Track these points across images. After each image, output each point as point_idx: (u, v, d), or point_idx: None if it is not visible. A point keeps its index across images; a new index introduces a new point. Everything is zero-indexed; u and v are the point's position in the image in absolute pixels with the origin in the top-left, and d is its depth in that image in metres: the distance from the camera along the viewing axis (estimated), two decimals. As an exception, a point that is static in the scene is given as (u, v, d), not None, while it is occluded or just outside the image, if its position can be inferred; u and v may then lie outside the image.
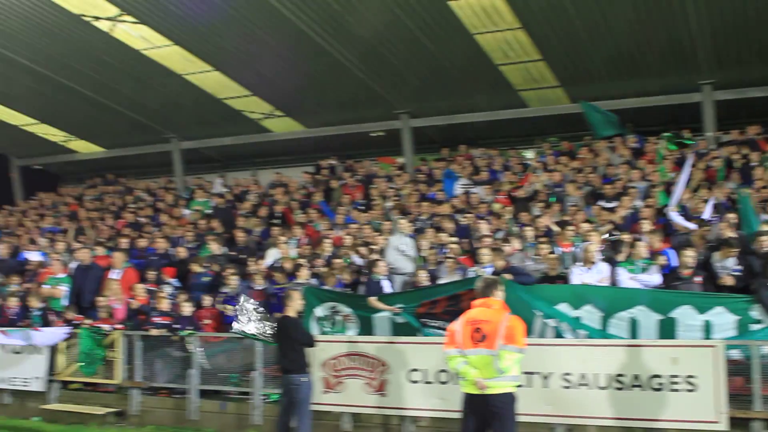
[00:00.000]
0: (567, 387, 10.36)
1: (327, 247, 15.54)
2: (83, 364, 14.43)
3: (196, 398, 13.21)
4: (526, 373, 9.63)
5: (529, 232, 14.20)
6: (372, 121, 22.87)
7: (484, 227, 14.94)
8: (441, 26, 17.60)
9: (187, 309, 13.91)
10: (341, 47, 18.75)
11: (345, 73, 19.90)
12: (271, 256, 15.89)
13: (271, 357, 12.29)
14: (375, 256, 14.42)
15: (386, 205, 18.06)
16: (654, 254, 12.29)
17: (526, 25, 17.33)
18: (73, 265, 16.86)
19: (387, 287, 13.27)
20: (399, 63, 19.60)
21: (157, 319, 14.02)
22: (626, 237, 12.97)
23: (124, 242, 17.99)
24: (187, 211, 21.38)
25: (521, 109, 21.49)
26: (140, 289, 15.04)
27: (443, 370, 10.99)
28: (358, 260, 14.91)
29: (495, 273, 11.63)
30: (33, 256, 18.67)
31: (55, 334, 14.76)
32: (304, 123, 23.97)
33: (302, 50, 18.99)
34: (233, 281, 14.34)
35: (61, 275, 16.40)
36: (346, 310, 12.53)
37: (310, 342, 10.67)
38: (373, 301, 12.28)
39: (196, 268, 15.55)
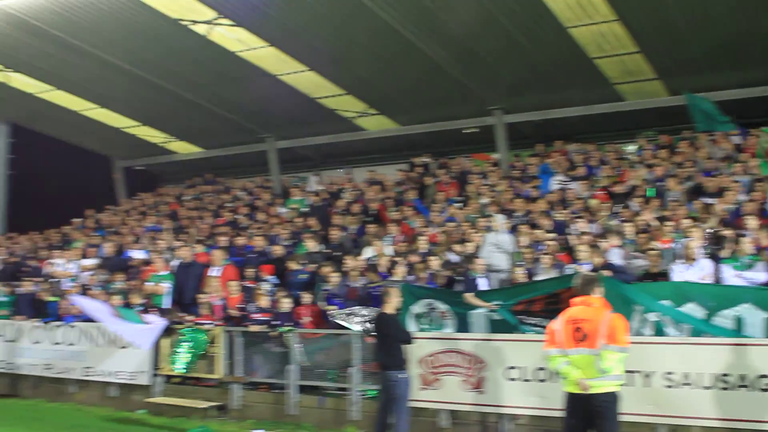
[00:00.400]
0: (669, 386, 10.15)
1: (422, 245, 15.56)
2: (181, 364, 14.85)
3: (295, 393, 13.43)
4: (627, 371, 9.43)
5: (629, 228, 13.94)
6: (465, 117, 22.73)
7: (581, 224, 14.75)
8: (534, 21, 17.39)
9: (285, 306, 14.14)
10: (434, 45, 18.71)
11: (438, 71, 19.85)
12: (368, 253, 16.01)
13: (369, 353, 12.43)
14: (471, 253, 14.40)
15: (481, 201, 17.96)
16: (761, 250, 11.91)
17: (622, 17, 16.96)
18: (174, 262, 17.28)
19: (483, 285, 13.20)
20: (492, 59, 19.45)
21: (257, 316, 14.31)
22: (729, 233, 12.61)
23: (222, 240, 18.37)
24: (283, 210, 21.71)
25: (617, 103, 21.04)
26: (234, 286, 15.36)
27: (542, 368, 10.91)
28: (453, 257, 14.88)
29: (593, 270, 11.48)
30: (136, 254, 19.20)
31: (152, 331, 15.16)
32: (397, 121, 24.01)
33: (395, 48, 19.01)
34: (334, 278, 14.49)
35: (164, 272, 16.82)
36: (442, 306, 12.54)
37: (408, 339, 10.73)
38: (470, 297, 12.25)
39: (292, 265, 15.78)
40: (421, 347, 11.80)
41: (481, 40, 18.52)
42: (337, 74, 21.02)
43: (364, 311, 12.94)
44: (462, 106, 22.09)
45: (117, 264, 18.70)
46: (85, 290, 17.54)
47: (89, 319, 16.34)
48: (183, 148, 28.71)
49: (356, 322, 12.97)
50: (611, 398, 7.70)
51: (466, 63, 19.67)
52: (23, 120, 27.25)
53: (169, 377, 15.27)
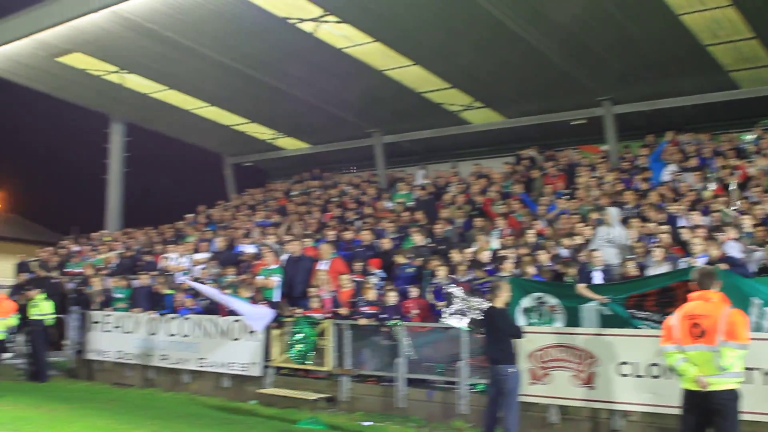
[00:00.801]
0: (792, 384, 9.78)
1: (530, 238, 15.41)
2: (296, 353, 15.08)
3: (403, 386, 13.48)
4: (746, 368, 9.09)
5: (746, 220, 13.47)
6: (573, 108, 22.39)
7: (695, 216, 14.33)
8: (644, 7, 16.92)
9: (392, 299, 14.22)
10: (540, 35, 18.44)
11: (544, 62, 19.58)
12: (475, 247, 15.92)
13: (477, 347, 12.38)
14: (581, 246, 14.18)
15: (590, 194, 17.64)
16: None
17: (736, 1, 16.38)
18: (284, 256, 17.57)
19: (598, 278, 12.98)
20: (600, 48, 19.04)
21: (365, 309, 14.44)
22: None
23: (330, 234, 18.57)
24: (389, 204, 21.81)
25: (732, 91, 20.31)
26: (346, 279, 15.53)
27: (655, 364, 10.68)
28: (562, 251, 14.68)
29: (709, 263, 11.15)
30: (247, 248, 19.62)
31: (265, 313, 15.51)
32: (503, 113, 23.82)
33: (500, 40, 18.83)
34: (441, 272, 14.48)
35: (274, 266, 17.13)
36: (552, 301, 12.38)
37: (518, 333, 10.67)
38: (582, 288, 12.06)
39: (400, 259, 15.85)
40: (530, 341, 11.70)
41: (589, 30, 18.16)
42: (442, 68, 20.98)
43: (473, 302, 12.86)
44: (569, 98, 21.76)
45: (228, 258, 19.13)
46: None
47: (203, 312, 16.84)
48: (290, 144, 29.22)
49: (460, 315, 12.92)
50: (731, 396, 7.47)
51: (573, 53, 19.34)
52: (138, 119, 28.24)
53: (279, 369, 15.55)
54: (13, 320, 16.72)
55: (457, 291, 12.91)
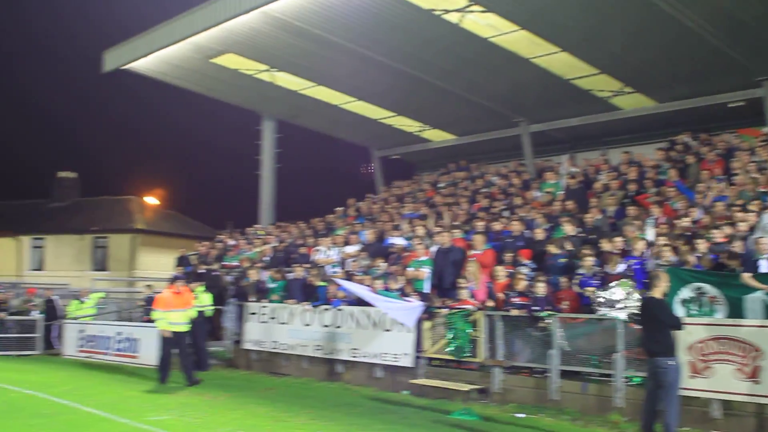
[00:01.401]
0: None
1: (687, 227, 14.89)
2: (454, 348, 15.11)
3: (556, 378, 13.32)
4: None
5: None
6: (730, 90, 21.41)
7: None
8: (808, -24, 16.07)
9: (544, 290, 14.07)
10: (693, 14, 17.68)
11: (698, 42, 18.80)
12: (628, 237, 15.52)
13: (633, 339, 12.10)
14: (744, 234, 13.60)
15: (750, 179, 16.84)
16: None
17: None
18: (433, 248, 17.63)
19: (764, 267, 12.36)
20: (758, 25, 18.06)
21: (516, 300, 14.35)
22: None
23: (479, 225, 18.51)
24: (538, 194, 21.54)
25: None
26: (501, 271, 15.45)
27: (827, 357, 10.15)
28: (721, 239, 14.09)
29: None
30: (396, 240, 19.81)
31: (414, 309, 15.63)
32: (655, 98, 23.07)
33: (651, 22, 18.18)
34: (589, 262, 14.23)
35: (424, 258, 17.23)
36: (712, 291, 11.93)
37: (678, 324, 10.34)
38: (746, 277, 11.57)
39: (552, 249, 15.66)
40: (689, 333, 11.35)
41: (747, 6, 17.27)
42: (590, 53, 20.51)
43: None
44: (726, 79, 20.83)
45: (378, 250, 19.40)
46: (349, 276, 18.35)
47: (355, 303, 17.13)
48: (437, 135, 29.33)
49: (619, 308, 12.64)
50: None
51: (730, 32, 18.45)
52: (288, 116, 29.02)
53: (431, 359, 15.64)
54: (194, 312, 17.52)
55: (599, 299, 12.74)
